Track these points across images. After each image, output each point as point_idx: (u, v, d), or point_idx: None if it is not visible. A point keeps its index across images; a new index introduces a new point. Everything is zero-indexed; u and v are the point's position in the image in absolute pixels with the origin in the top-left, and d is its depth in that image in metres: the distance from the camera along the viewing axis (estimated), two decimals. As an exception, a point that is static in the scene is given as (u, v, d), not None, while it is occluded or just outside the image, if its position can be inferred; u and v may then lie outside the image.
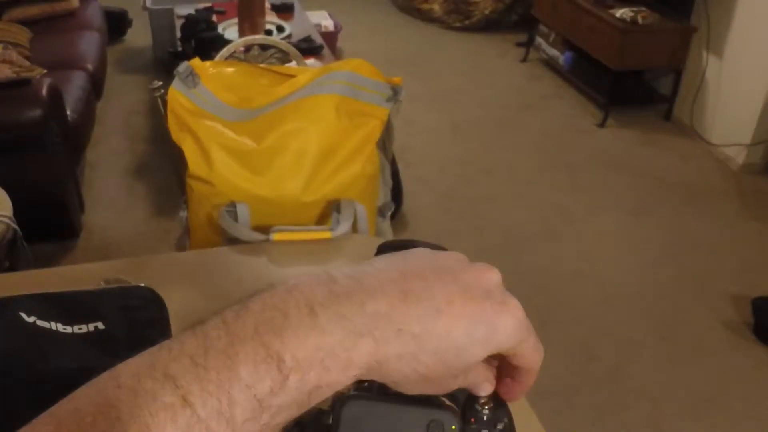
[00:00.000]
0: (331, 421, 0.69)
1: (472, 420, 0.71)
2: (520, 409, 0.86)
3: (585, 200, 4.48)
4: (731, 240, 4.19)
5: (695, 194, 4.61)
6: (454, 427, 0.68)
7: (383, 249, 0.87)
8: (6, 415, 0.94)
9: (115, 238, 3.89)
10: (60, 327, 1.03)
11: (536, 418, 1.26)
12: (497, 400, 0.72)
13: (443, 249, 0.82)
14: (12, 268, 2.80)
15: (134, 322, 1.09)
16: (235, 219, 1.92)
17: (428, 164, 4.77)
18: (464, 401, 0.72)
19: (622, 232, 4.20)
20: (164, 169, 4.45)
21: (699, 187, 4.70)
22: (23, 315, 1.02)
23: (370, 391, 0.73)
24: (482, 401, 0.71)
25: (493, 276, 0.65)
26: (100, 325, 1.06)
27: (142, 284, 1.20)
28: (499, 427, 0.71)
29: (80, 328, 1.04)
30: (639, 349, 3.39)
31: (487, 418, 0.71)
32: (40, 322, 1.02)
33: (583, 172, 4.80)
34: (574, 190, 4.59)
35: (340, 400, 0.69)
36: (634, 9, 5.19)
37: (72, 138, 3.73)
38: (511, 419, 0.73)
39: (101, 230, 3.95)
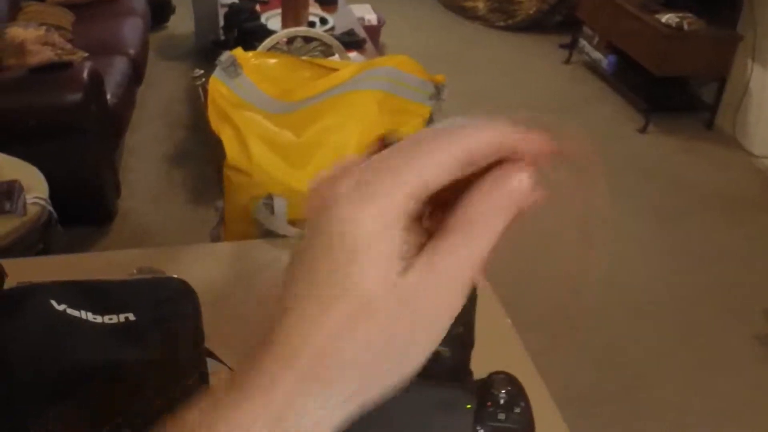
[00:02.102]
0: None
1: (489, 404, 0.71)
2: (545, 410, 0.85)
3: (621, 205, 4.43)
4: (766, 253, 4.13)
5: (733, 205, 4.56)
6: (469, 406, 0.67)
7: None
8: (32, 405, 0.93)
9: (149, 225, 3.89)
10: (90, 316, 1.02)
11: (561, 418, 1.23)
12: (514, 384, 0.70)
13: None
14: (46, 250, 2.81)
15: (165, 315, 1.07)
16: (272, 212, 1.91)
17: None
18: (480, 386, 0.71)
19: (656, 240, 4.16)
20: (203, 157, 4.45)
21: (737, 198, 4.64)
22: (54, 303, 1.00)
23: None
24: (498, 385, 0.69)
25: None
26: (131, 317, 1.04)
27: (175, 275, 1.18)
28: (516, 410, 0.72)
29: (111, 318, 1.03)
30: (666, 358, 3.35)
31: (504, 401, 0.71)
32: (70, 311, 1.01)
33: (621, 177, 4.75)
34: (611, 194, 4.53)
35: None
36: (680, 15, 5.13)
37: (111, 122, 3.74)
38: (528, 403, 0.71)
39: (136, 216, 3.95)
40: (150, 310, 1.07)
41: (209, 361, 1.14)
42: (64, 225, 2.96)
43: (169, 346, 1.04)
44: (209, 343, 1.15)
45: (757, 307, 3.67)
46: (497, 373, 0.74)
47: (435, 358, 0.75)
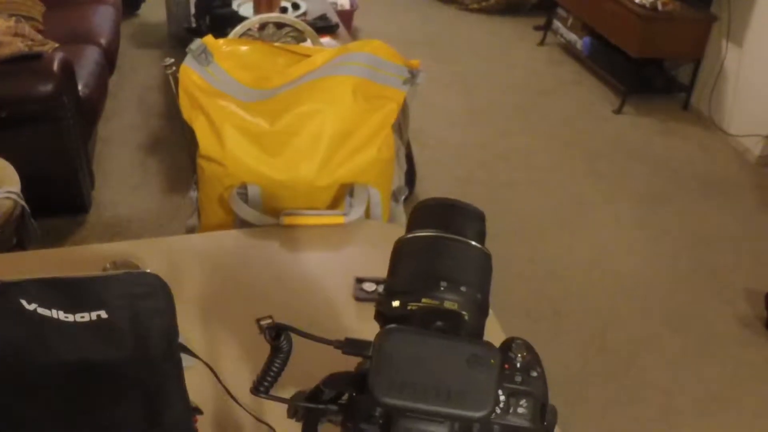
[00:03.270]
0: (371, 352, 0.72)
1: (507, 366, 0.74)
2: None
3: (601, 188, 4.44)
4: (747, 233, 4.14)
5: (712, 185, 4.56)
6: (493, 361, 0.71)
7: (425, 206, 0.91)
8: (4, 408, 0.91)
9: (125, 215, 3.86)
10: (61, 315, 0.99)
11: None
12: (530, 350, 0.76)
13: (481, 214, 0.89)
14: (20, 245, 2.78)
15: (138, 312, 1.05)
16: (246, 201, 1.89)
17: (444, 147, 4.72)
18: (499, 349, 0.73)
19: (637, 222, 4.16)
20: (177, 145, 4.42)
21: (715, 178, 4.65)
22: (24, 302, 0.98)
23: (411, 324, 0.75)
24: (516, 349, 0.75)
25: None
26: (103, 314, 1.02)
27: (149, 270, 1.16)
28: (533, 374, 0.75)
29: (82, 317, 1.00)
30: (652, 341, 3.35)
31: (521, 365, 0.75)
32: (41, 310, 0.98)
33: (599, 159, 4.75)
34: (590, 177, 4.54)
35: (382, 332, 0.72)
36: (655, -5, 5.14)
37: (84, 113, 3.70)
38: (543, 371, 0.76)
39: (111, 206, 3.91)
40: (123, 306, 1.04)
41: (183, 357, 1.11)
42: (38, 217, 2.92)
43: (142, 343, 1.02)
44: (183, 337, 1.13)
45: (737, 287, 3.68)
46: (514, 338, 0.77)
47: (458, 321, 0.78)
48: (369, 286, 1.56)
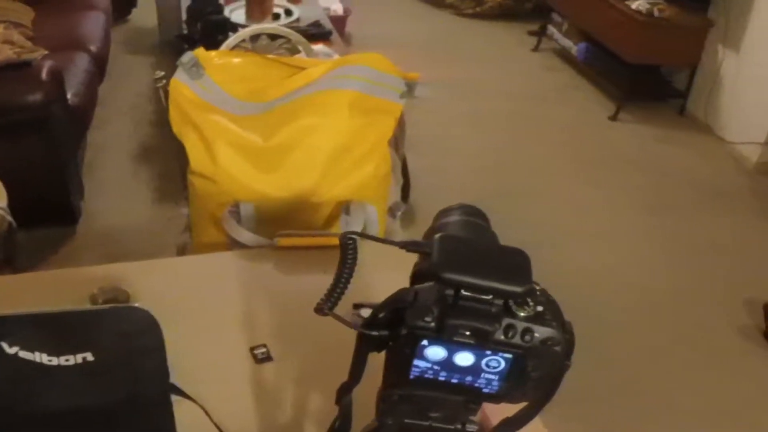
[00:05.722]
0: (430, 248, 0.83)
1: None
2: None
3: (598, 196, 4.40)
4: (744, 241, 4.11)
5: (709, 193, 4.53)
6: (526, 257, 0.87)
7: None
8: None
9: (115, 225, 3.81)
10: (45, 358, 0.94)
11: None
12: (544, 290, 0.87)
13: (484, 216, 1.09)
14: (7, 261, 2.72)
15: (127, 351, 0.99)
16: (239, 220, 1.83)
17: (440, 155, 4.67)
18: None
19: (634, 231, 4.12)
20: (168, 154, 4.37)
21: (713, 186, 4.62)
22: (5, 345, 0.92)
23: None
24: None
25: None
26: (89, 356, 0.96)
27: (138, 303, 1.11)
28: (551, 299, 0.86)
29: (67, 360, 0.95)
30: (653, 352, 3.32)
31: (540, 292, 0.86)
32: (22, 353, 0.93)
33: (596, 166, 4.72)
34: (587, 185, 4.50)
35: (439, 234, 0.85)
36: (651, 1, 5.10)
37: (73, 121, 3.65)
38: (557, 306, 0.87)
39: (101, 216, 3.86)
40: (111, 346, 0.99)
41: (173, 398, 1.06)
42: (27, 228, 2.87)
43: (133, 385, 0.97)
44: (174, 373, 1.08)
45: (736, 297, 3.65)
46: None
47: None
48: (367, 313, 1.50)
